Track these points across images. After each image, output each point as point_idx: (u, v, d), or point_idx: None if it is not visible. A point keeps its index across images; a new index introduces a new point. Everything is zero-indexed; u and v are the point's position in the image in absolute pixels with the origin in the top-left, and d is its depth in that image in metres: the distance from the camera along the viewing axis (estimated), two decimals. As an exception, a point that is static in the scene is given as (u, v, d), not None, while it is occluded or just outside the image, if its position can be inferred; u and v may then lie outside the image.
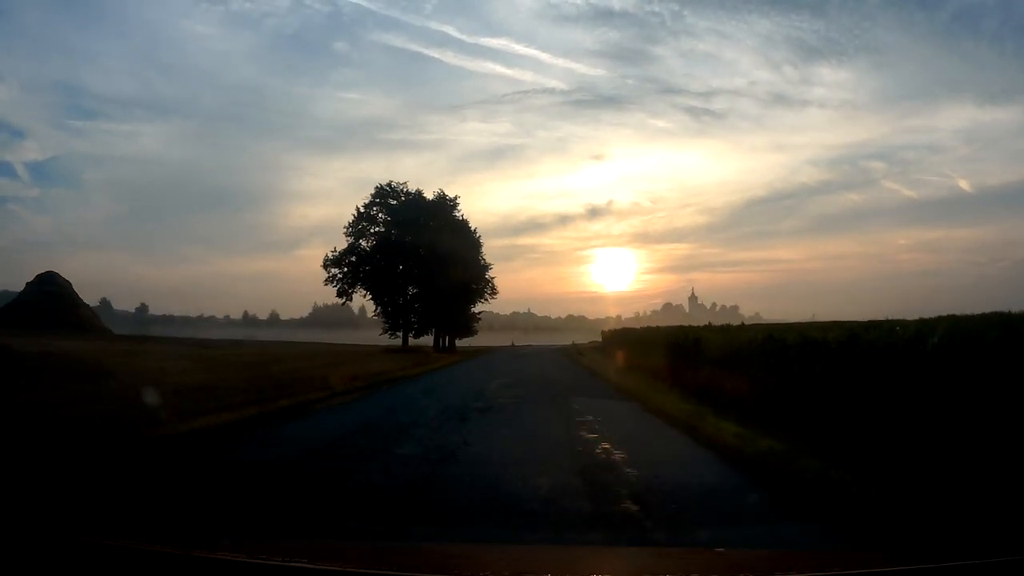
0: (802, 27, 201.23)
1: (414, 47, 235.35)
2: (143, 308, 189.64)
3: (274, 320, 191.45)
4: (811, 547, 4.88)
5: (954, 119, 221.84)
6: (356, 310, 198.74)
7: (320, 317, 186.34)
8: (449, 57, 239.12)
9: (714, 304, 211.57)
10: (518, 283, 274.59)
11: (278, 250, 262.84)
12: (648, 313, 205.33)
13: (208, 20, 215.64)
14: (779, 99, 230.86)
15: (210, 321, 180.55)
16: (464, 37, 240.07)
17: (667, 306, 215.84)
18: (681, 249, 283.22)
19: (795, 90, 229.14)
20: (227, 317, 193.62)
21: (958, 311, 12.43)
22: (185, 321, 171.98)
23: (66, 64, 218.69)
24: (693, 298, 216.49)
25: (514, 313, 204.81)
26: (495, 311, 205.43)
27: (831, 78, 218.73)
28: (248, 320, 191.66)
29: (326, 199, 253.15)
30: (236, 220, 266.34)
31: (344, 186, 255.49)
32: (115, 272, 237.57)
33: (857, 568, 2.27)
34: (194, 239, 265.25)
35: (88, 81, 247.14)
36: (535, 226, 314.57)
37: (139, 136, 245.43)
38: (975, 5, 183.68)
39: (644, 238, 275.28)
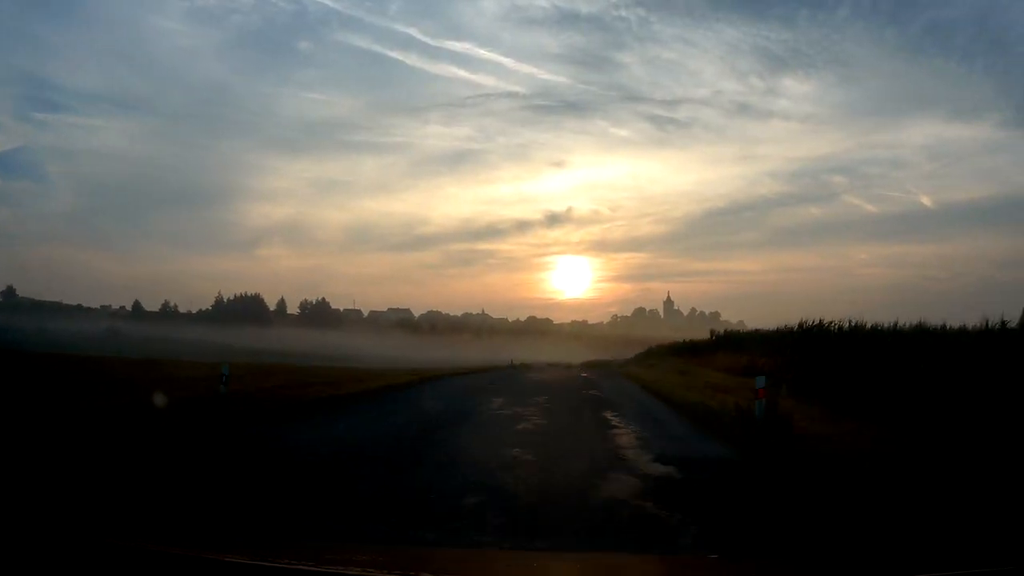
0: (770, 37, 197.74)
1: (378, 48, 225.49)
2: (9, 292, 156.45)
3: (168, 312, 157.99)
4: (816, 560, 4.23)
5: (919, 135, 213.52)
6: (273, 303, 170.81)
7: (225, 311, 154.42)
8: (412, 59, 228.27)
9: (693, 310, 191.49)
10: (475, 288, 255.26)
11: (239, 248, 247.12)
12: (619, 319, 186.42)
13: (174, 15, 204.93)
14: (743, 109, 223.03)
15: (90, 312, 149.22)
16: (428, 40, 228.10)
17: (639, 311, 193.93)
18: (639, 258, 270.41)
19: (760, 101, 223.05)
20: (122, 308, 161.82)
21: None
22: (57, 308, 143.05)
23: (31, 56, 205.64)
24: (669, 303, 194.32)
25: (466, 314, 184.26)
26: (442, 311, 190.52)
27: (797, 90, 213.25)
28: (136, 311, 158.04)
29: (288, 199, 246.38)
30: (198, 217, 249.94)
31: (306, 187, 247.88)
32: (75, 266, 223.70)
33: None
34: (156, 235, 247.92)
35: (53, 74, 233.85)
36: (494, 232, 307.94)
37: (103, 131, 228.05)
38: (947, 20, 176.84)
39: (602, 246, 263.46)
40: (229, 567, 2.01)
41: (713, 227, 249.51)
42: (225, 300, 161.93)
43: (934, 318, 17.45)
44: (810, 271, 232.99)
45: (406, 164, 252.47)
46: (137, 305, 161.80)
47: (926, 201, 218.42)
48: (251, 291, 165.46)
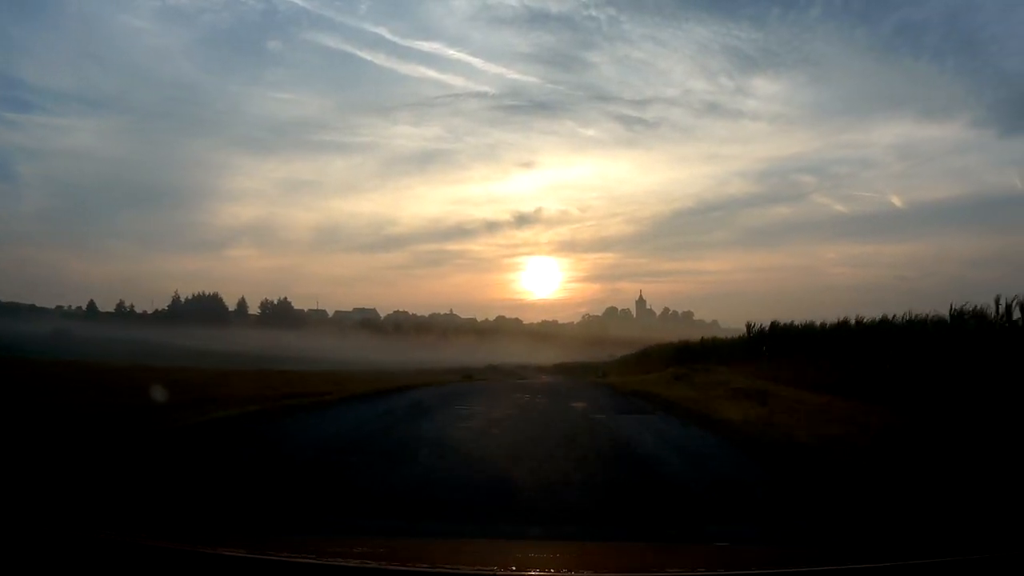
0: (740, 37, 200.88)
1: (347, 48, 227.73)
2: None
3: (123, 312, 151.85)
4: (817, 542, 4.33)
5: (889, 135, 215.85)
6: (233, 303, 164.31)
7: (182, 311, 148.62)
8: (381, 59, 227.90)
9: (666, 309, 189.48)
10: (444, 288, 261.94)
11: (207, 249, 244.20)
12: (590, 318, 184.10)
13: (144, 14, 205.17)
14: (712, 109, 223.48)
15: (43, 312, 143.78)
16: (397, 40, 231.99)
17: (610, 311, 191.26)
18: (608, 258, 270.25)
19: (729, 100, 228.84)
20: (78, 308, 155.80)
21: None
22: (8, 309, 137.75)
23: (2, 55, 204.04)
24: (641, 302, 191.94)
25: (433, 315, 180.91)
26: (409, 311, 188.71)
27: (766, 90, 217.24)
28: (90, 311, 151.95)
29: (257, 199, 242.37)
30: (166, 217, 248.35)
31: (275, 187, 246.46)
32: (43, 267, 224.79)
33: (864, 563, 2.21)
34: (124, 235, 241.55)
35: (24, 73, 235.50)
36: (463, 232, 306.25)
37: (73, 131, 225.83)
38: (918, 20, 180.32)
39: (571, 246, 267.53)
40: (228, 561, 1.96)
41: (682, 227, 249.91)
42: (182, 299, 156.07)
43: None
44: (780, 271, 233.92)
45: (375, 164, 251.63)
46: (92, 305, 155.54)
47: (896, 201, 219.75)
48: (210, 290, 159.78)
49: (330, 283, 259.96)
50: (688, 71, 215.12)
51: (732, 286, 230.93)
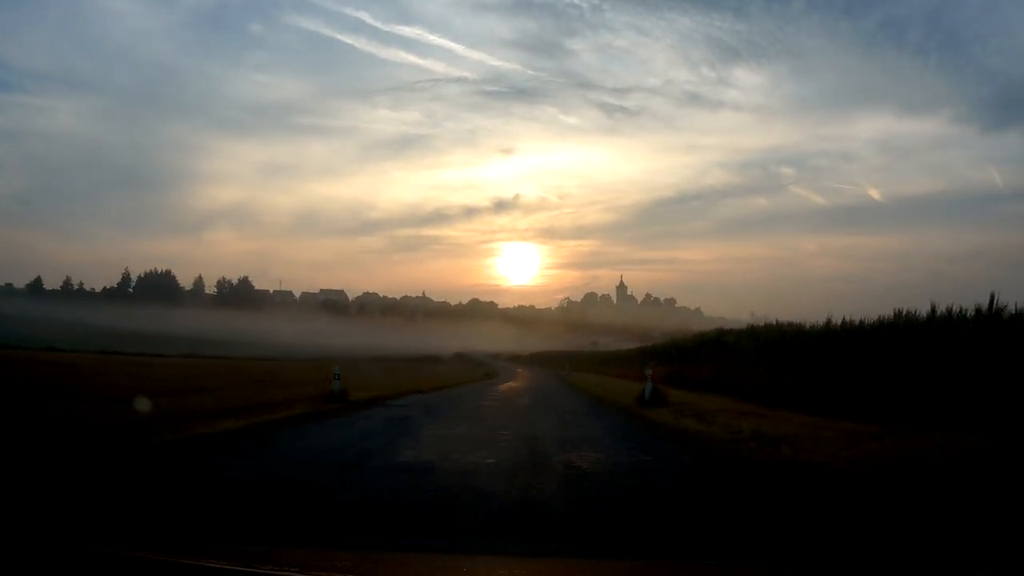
0: (723, 27, 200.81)
1: (328, 31, 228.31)
2: None
3: (69, 290, 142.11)
4: (810, 563, 4.16)
5: (870, 128, 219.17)
6: (189, 282, 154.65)
7: (132, 289, 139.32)
8: (362, 43, 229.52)
9: (647, 296, 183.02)
10: (421, 273, 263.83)
11: (185, 231, 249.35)
12: (570, 303, 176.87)
13: None
14: (694, 99, 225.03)
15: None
16: (378, 24, 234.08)
17: (590, 296, 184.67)
18: (587, 245, 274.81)
19: (711, 91, 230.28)
20: (25, 285, 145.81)
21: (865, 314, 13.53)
22: None
23: None
24: (622, 287, 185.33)
25: (405, 297, 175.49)
26: (380, 293, 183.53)
27: (748, 81, 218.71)
28: (35, 287, 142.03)
29: (235, 182, 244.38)
30: (145, 199, 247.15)
31: (253, 170, 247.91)
32: (13, 245, 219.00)
33: None
34: (100, 216, 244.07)
35: (4, 53, 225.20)
36: (441, 217, 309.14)
37: (52, 111, 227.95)
38: (901, 16, 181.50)
39: (549, 233, 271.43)
40: (210, 573, 1.96)
41: (661, 216, 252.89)
42: (133, 278, 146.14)
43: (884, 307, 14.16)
44: (759, 261, 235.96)
45: (354, 148, 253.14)
46: (37, 282, 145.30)
47: (875, 194, 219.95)
48: (170, 269, 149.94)
49: (306, 266, 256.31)
50: (670, 60, 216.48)
51: (712, 276, 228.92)
